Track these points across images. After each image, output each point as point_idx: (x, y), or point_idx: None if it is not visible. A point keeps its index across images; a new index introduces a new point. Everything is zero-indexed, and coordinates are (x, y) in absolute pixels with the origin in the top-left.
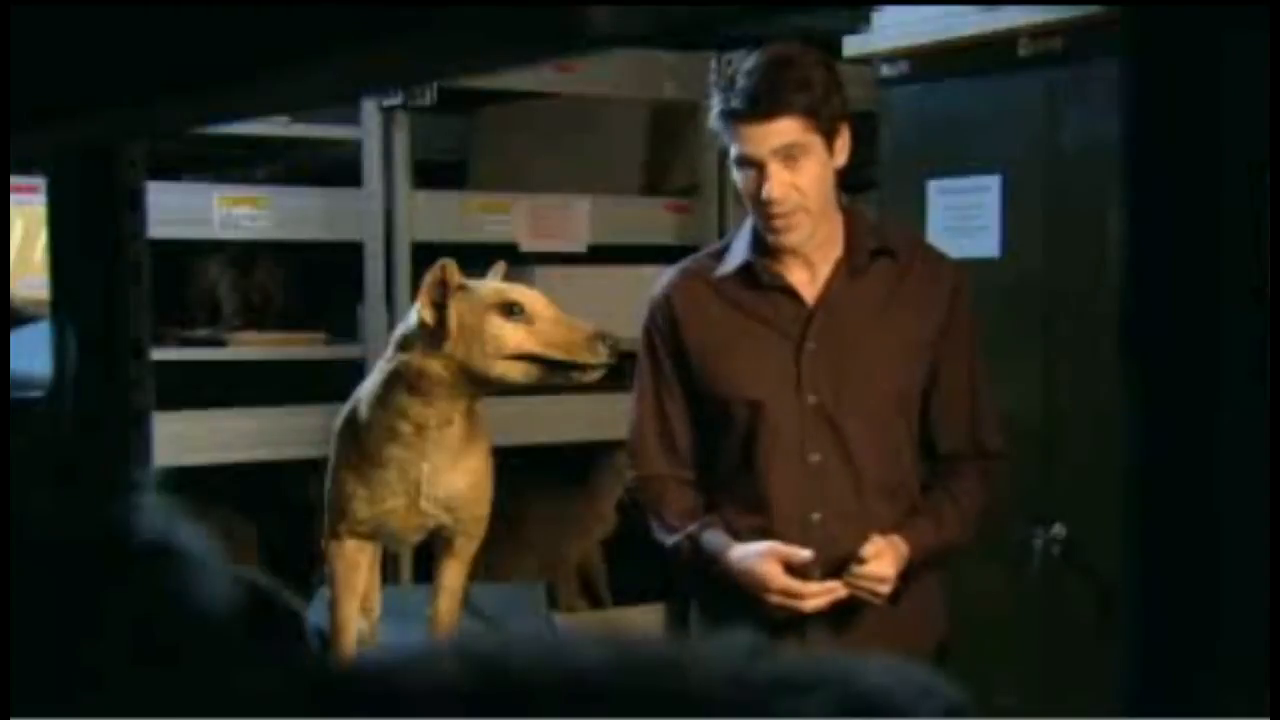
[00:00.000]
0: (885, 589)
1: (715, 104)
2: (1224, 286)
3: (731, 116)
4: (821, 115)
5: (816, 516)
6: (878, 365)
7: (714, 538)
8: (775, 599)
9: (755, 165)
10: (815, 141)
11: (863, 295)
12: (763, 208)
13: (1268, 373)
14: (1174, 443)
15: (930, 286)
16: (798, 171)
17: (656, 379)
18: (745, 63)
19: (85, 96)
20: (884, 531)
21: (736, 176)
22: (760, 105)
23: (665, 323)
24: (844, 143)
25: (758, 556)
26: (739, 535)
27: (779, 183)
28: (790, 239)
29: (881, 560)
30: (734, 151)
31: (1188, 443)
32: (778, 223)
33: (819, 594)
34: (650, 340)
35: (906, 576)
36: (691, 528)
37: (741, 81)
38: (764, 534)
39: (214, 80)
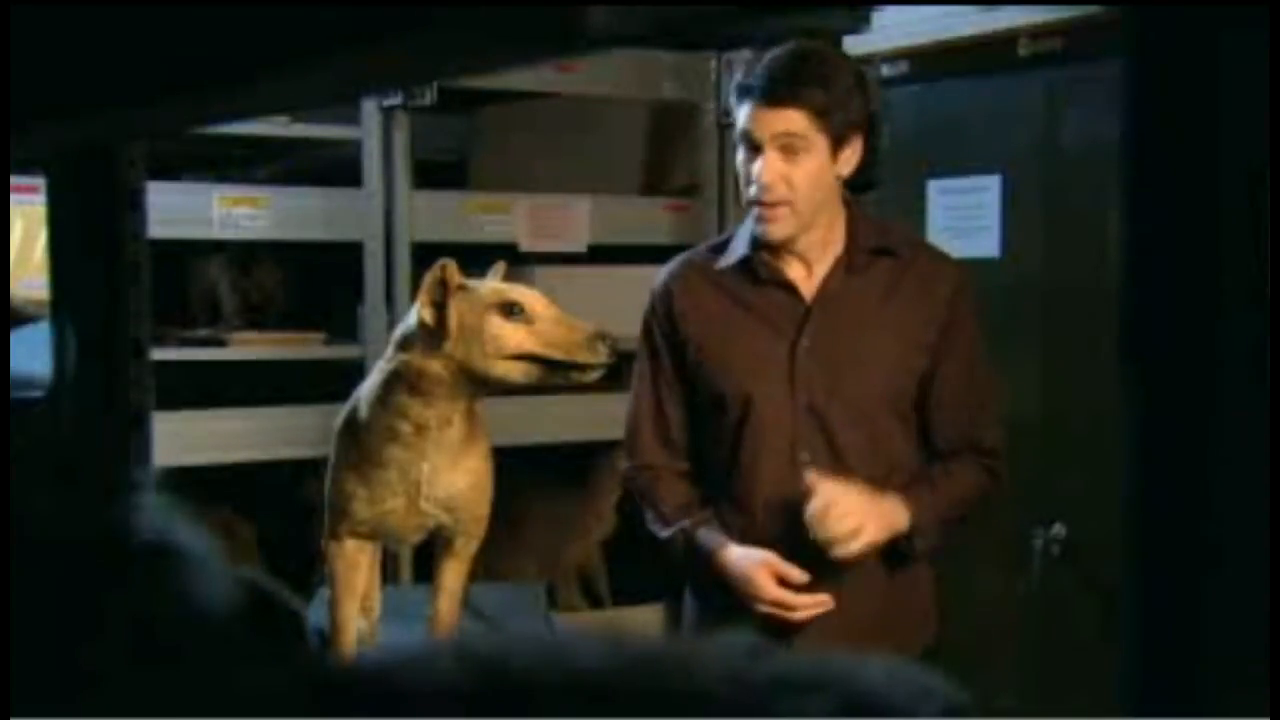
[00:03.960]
0: (848, 527)
1: (735, 79)
2: (1223, 287)
3: (745, 93)
4: (833, 119)
5: (804, 516)
6: (873, 364)
7: (709, 535)
8: (766, 609)
9: (755, 146)
10: (819, 141)
11: (860, 293)
12: (751, 190)
13: (1267, 373)
14: (1173, 443)
15: (931, 285)
16: (794, 164)
17: (654, 369)
18: (778, 49)
19: (85, 96)
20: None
21: (738, 155)
22: (774, 89)
23: (664, 314)
24: (852, 153)
25: (754, 565)
26: (729, 531)
27: (771, 169)
28: (772, 232)
29: (838, 506)
30: (739, 127)
31: (1187, 443)
32: (763, 211)
33: (810, 606)
34: (649, 330)
35: (898, 558)
36: (686, 523)
37: (765, 63)
38: (751, 531)
39: (214, 80)
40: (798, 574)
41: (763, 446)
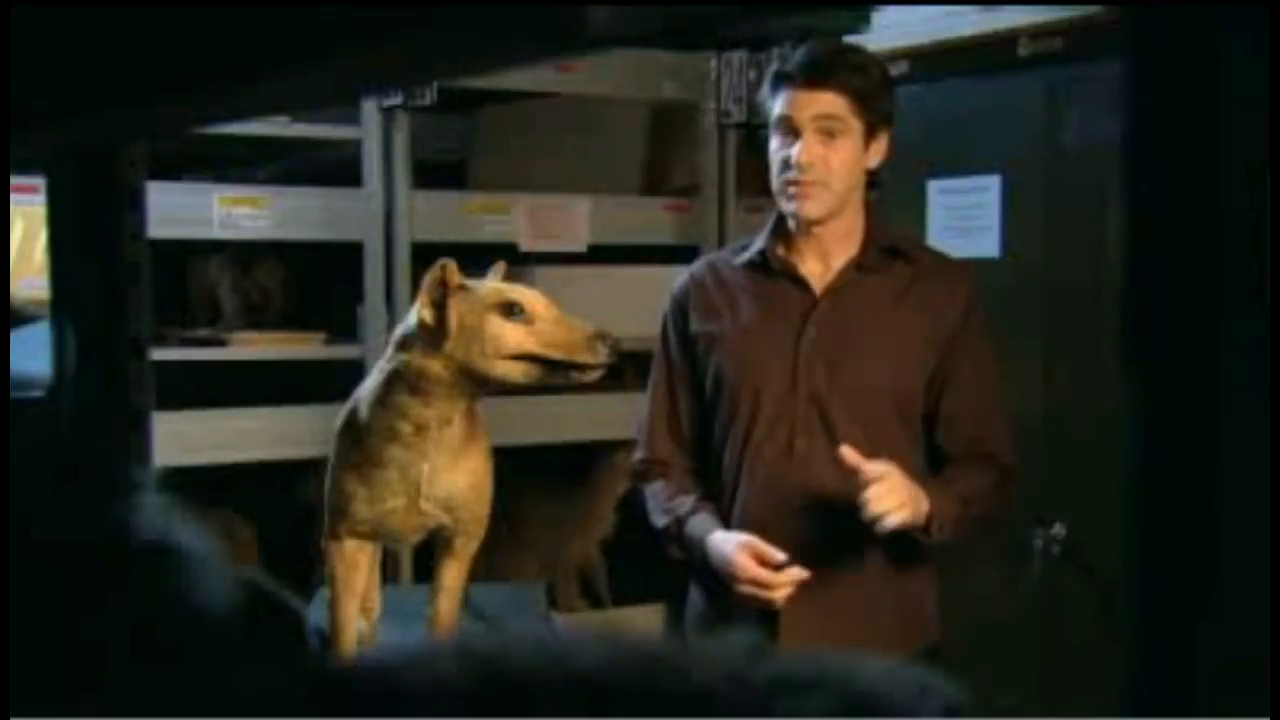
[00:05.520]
0: (895, 501)
1: (771, 69)
2: (1224, 286)
3: (784, 78)
4: (869, 105)
5: (799, 504)
6: (877, 360)
7: (699, 522)
8: (745, 589)
9: (792, 130)
10: (856, 126)
11: (871, 291)
12: (787, 173)
13: (1268, 373)
14: (1174, 442)
15: (942, 291)
16: (832, 147)
17: (668, 366)
18: (812, 42)
19: (85, 96)
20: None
21: (771, 144)
22: (815, 72)
23: (677, 311)
24: (880, 146)
25: (733, 546)
26: (728, 517)
27: (809, 150)
28: (806, 209)
29: (883, 485)
30: (775, 114)
31: (1188, 442)
32: (796, 189)
33: (786, 582)
34: (665, 329)
35: (899, 551)
36: (680, 511)
37: (803, 50)
38: (747, 517)
39: (214, 80)
40: (778, 555)
41: (764, 433)
